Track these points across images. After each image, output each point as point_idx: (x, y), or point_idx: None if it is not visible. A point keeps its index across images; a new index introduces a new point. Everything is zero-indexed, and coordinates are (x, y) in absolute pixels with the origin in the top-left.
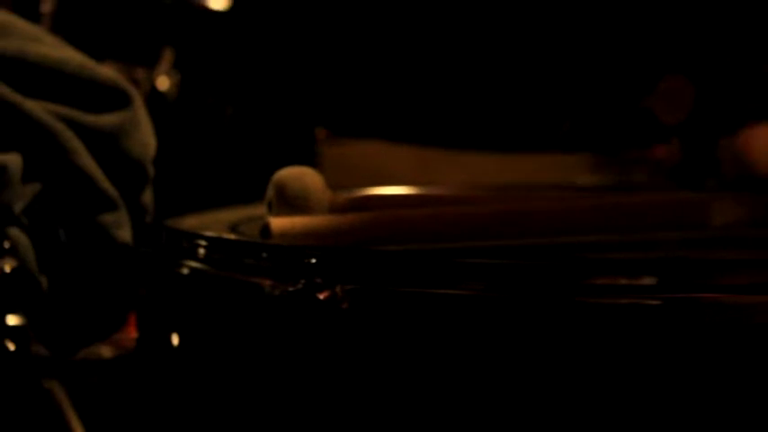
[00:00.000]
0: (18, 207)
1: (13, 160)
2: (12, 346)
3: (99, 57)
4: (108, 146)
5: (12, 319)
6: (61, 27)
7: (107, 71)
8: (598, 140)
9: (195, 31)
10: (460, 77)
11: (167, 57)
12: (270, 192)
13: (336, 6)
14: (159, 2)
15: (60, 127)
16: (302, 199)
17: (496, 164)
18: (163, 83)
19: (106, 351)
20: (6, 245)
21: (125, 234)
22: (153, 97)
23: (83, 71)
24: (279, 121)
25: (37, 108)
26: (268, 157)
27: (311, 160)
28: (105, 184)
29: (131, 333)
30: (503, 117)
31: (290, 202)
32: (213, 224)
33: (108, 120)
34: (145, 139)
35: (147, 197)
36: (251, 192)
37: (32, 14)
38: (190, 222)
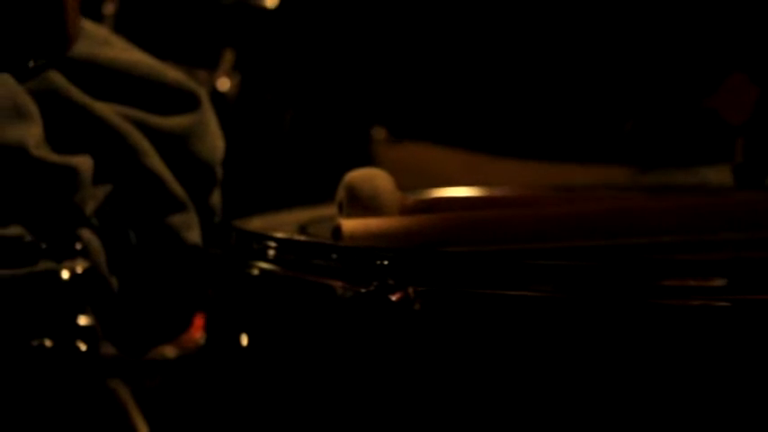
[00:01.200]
0: (89, 208)
1: (84, 162)
2: (83, 347)
3: (160, 59)
4: (177, 148)
5: (82, 320)
6: (123, 29)
7: (176, 74)
8: (661, 142)
9: (255, 33)
10: (518, 80)
11: (228, 58)
12: (341, 193)
13: (395, 11)
14: (219, 3)
15: (130, 129)
16: (373, 200)
17: (553, 172)
18: (223, 84)
19: (170, 351)
20: (78, 246)
21: (194, 235)
22: (214, 98)
23: (152, 74)
24: (336, 120)
25: (107, 110)
26: (326, 156)
27: (367, 161)
28: (174, 185)
29: (194, 333)
30: (563, 119)
31: (362, 203)
32: (281, 225)
33: (177, 122)
34: (213, 141)
35: (216, 198)
36: (310, 191)
37: (94, 16)
38: (257, 224)
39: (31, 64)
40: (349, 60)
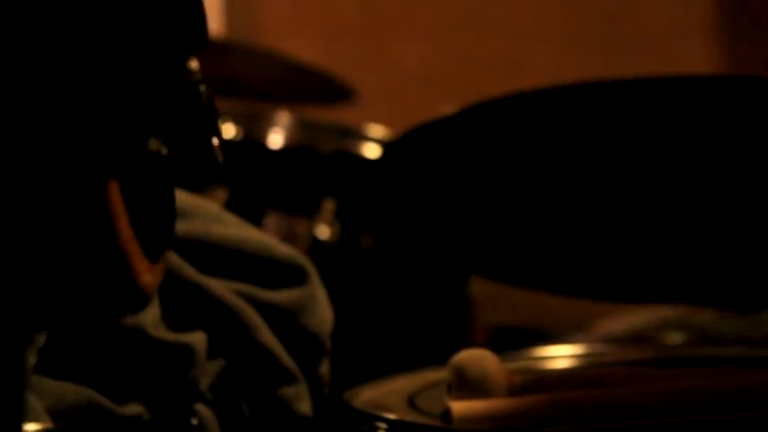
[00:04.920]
0: (204, 384)
1: (199, 339)
2: None
3: (262, 208)
4: (287, 321)
5: None
6: (225, 180)
7: (285, 248)
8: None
9: (355, 182)
10: (615, 227)
11: (328, 207)
12: (450, 375)
13: (490, 162)
14: (318, 153)
15: (242, 305)
16: (482, 382)
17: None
18: (323, 232)
19: None
20: (194, 421)
21: (305, 407)
22: (314, 247)
23: (262, 250)
24: (434, 264)
25: (220, 287)
26: (425, 298)
27: (464, 300)
28: (285, 358)
29: None
30: (656, 265)
31: (471, 385)
32: (390, 396)
33: (287, 296)
34: (322, 313)
35: (325, 369)
36: (412, 334)
37: None
38: (368, 395)
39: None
40: (446, 207)
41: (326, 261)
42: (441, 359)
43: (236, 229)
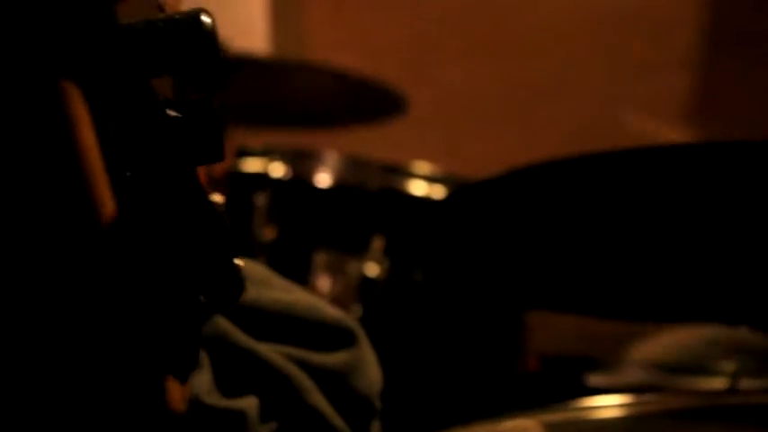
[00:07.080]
0: None
1: (251, 404)
2: None
3: (311, 246)
4: (337, 383)
5: None
6: (274, 218)
7: (334, 311)
8: None
9: (403, 219)
10: (659, 254)
11: (377, 244)
12: None
13: (543, 199)
14: (366, 191)
15: (293, 369)
16: None
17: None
18: (372, 269)
19: None
20: None
21: None
22: (363, 284)
23: (311, 313)
24: (486, 298)
25: (270, 351)
26: (478, 337)
27: (519, 331)
28: (336, 419)
29: None
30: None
31: None
32: None
33: (336, 358)
34: (371, 375)
35: (375, 429)
36: (464, 369)
37: (246, 208)
38: None
39: None
40: (496, 242)
41: (376, 298)
42: (494, 391)
43: (285, 293)
